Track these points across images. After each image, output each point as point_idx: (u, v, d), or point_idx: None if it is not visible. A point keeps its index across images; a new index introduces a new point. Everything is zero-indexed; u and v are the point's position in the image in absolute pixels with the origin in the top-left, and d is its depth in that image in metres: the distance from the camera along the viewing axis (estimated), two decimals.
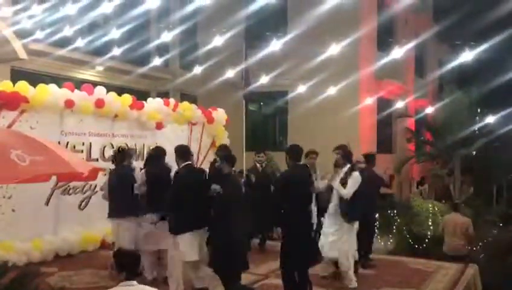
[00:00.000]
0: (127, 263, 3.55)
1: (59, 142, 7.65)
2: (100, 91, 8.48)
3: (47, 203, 7.75)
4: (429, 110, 15.23)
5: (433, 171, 14.42)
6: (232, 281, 5.33)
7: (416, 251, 8.87)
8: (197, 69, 13.97)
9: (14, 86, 7.35)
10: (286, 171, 5.90)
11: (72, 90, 8.07)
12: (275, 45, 11.51)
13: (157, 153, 6.64)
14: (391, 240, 9.63)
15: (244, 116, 12.99)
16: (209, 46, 12.60)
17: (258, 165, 8.84)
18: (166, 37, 12.28)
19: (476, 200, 11.84)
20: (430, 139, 14.41)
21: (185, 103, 10.34)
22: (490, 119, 14.61)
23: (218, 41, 11.40)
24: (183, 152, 5.89)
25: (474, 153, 12.81)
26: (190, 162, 5.92)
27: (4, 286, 3.77)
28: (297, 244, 5.43)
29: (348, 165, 6.34)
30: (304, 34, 13.58)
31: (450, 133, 12.09)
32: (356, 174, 6.27)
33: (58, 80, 10.98)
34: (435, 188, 14.94)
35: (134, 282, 3.48)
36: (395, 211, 10.01)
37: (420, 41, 16.16)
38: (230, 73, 13.11)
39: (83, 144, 8.26)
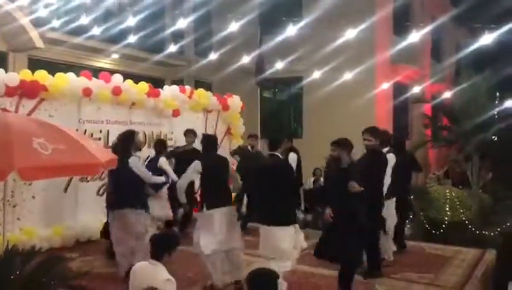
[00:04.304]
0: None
1: (77, 130, 7.74)
2: (117, 79, 8.54)
3: (65, 190, 7.89)
4: (446, 94, 15.04)
5: (450, 157, 14.30)
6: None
7: (434, 236, 8.84)
8: (212, 56, 13.97)
9: (32, 74, 7.45)
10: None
11: (90, 79, 8.15)
12: (290, 31, 11.44)
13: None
14: (408, 226, 9.60)
15: (259, 103, 13.02)
16: (224, 33, 12.60)
17: (249, 147, 9.31)
18: (181, 24, 12.28)
19: (495, 186, 11.73)
20: (447, 124, 14.26)
21: (201, 90, 10.36)
22: (509, 103, 14.37)
23: (232, 27, 11.36)
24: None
25: (492, 137, 12.63)
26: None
27: (31, 270, 3.86)
28: None
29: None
30: (319, 19, 13.46)
31: (468, 118, 11.94)
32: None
33: (75, 68, 11.09)
34: (452, 174, 14.82)
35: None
36: (412, 197, 9.95)
37: (437, 25, 15.90)
38: (245, 59, 13.09)
39: (101, 131, 8.35)
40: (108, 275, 6.08)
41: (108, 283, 5.82)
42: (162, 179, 6.78)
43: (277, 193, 5.31)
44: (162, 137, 9.15)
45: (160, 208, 7.27)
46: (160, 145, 7.83)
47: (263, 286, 3.02)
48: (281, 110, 16.83)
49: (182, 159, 8.15)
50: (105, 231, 6.80)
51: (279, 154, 5.62)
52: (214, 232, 5.57)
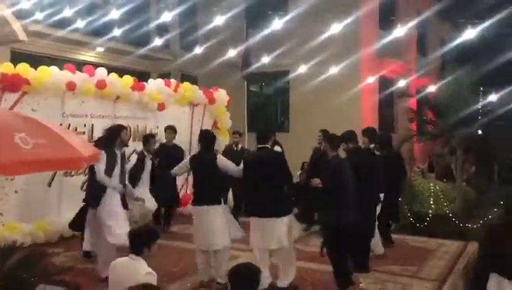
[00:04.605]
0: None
1: (61, 124, 7.67)
2: (101, 72, 8.46)
3: (49, 185, 7.82)
4: (431, 89, 15.15)
5: (434, 151, 14.43)
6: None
7: (418, 229, 8.93)
8: (198, 50, 13.89)
9: (15, 68, 7.34)
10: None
11: (73, 72, 8.06)
12: (276, 25, 11.42)
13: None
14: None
15: (245, 97, 13.01)
16: (210, 26, 12.52)
17: (233, 145, 9.36)
18: (167, 17, 12.17)
19: (478, 179, 11.85)
20: (432, 118, 14.37)
21: (187, 84, 10.32)
22: (493, 97, 14.54)
23: (218, 21, 11.30)
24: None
25: (477, 131, 12.78)
26: None
27: (12, 266, 3.82)
28: None
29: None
30: (305, 12, 13.46)
31: (452, 112, 12.04)
32: None
33: (58, 62, 10.95)
34: (436, 167, 14.97)
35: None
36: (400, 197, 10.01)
37: (422, 20, 15.99)
38: (231, 53, 13.04)
39: (85, 125, 8.28)
40: (93, 270, 6.03)
41: (92, 279, 5.78)
42: (112, 183, 5.89)
43: (273, 184, 5.37)
44: (147, 131, 9.11)
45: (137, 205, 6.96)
46: (143, 140, 7.74)
47: (245, 282, 3.02)
48: (267, 104, 16.83)
49: (164, 155, 8.16)
50: (74, 222, 6.78)
51: (269, 147, 5.64)
52: (195, 228, 5.61)
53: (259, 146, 5.62)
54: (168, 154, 8.25)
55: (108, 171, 5.76)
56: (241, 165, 5.72)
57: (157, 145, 8.24)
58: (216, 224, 5.54)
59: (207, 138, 5.92)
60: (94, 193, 5.85)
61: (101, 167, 5.66)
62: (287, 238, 5.40)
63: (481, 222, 8.86)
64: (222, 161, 5.71)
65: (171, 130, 8.67)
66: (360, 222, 5.51)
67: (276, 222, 5.36)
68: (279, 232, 5.35)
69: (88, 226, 6.15)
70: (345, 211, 5.35)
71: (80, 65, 9.35)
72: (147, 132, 9.10)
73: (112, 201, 5.77)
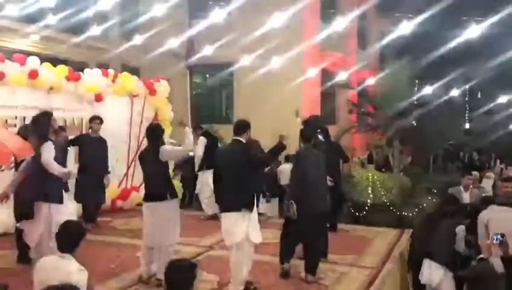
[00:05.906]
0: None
1: None
2: (33, 62, 8.06)
3: None
4: (370, 81, 15.57)
5: (373, 142, 14.87)
6: None
7: (357, 218, 9.17)
8: (139, 39, 13.54)
9: None
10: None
11: (3, 61, 7.63)
12: (219, 15, 11.32)
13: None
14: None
15: (188, 89, 12.85)
16: (152, 15, 12.22)
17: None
18: (106, 4, 11.75)
19: (413, 169, 12.35)
20: (370, 111, 14.78)
21: (125, 74, 10.01)
22: (428, 90, 15.13)
23: (160, 9, 11.05)
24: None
25: (413, 123, 13.26)
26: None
27: None
28: None
29: None
30: (247, 3, 13.41)
31: (389, 105, 12.44)
32: None
33: None
34: (376, 158, 15.46)
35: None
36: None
37: (363, 13, 16.36)
38: (174, 43, 12.82)
39: (16, 117, 7.85)
40: (23, 270, 5.71)
41: (23, 279, 5.43)
42: (64, 170, 5.44)
43: (238, 180, 5.11)
44: (84, 123, 8.80)
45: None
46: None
47: (180, 278, 2.97)
48: (212, 95, 16.71)
49: (89, 147, 7.85)
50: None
51: (243, 140, 5.32)
52: (144, 225, 5.50)
53: (234, 138, 5.38)
54: (93, 147, 7.94)
55: (61, 165, 5.39)
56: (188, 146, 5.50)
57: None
58: (161, 222, 5.33)
59: (149, 130, 5.68)
60: (54, 187, 5.32)
61: (51, 158, 5.16)
62: (236, 236, 5.10)
63: (416, 210, 9.24)
64: (165, 150, 5.39)
65: (98, 120, 8.13)
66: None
67: (223, 217, 5.22)
68: (227, 228, 5.16)
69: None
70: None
71: (10, 54, 8.83)
72: (84, 123, 8.78)
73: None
